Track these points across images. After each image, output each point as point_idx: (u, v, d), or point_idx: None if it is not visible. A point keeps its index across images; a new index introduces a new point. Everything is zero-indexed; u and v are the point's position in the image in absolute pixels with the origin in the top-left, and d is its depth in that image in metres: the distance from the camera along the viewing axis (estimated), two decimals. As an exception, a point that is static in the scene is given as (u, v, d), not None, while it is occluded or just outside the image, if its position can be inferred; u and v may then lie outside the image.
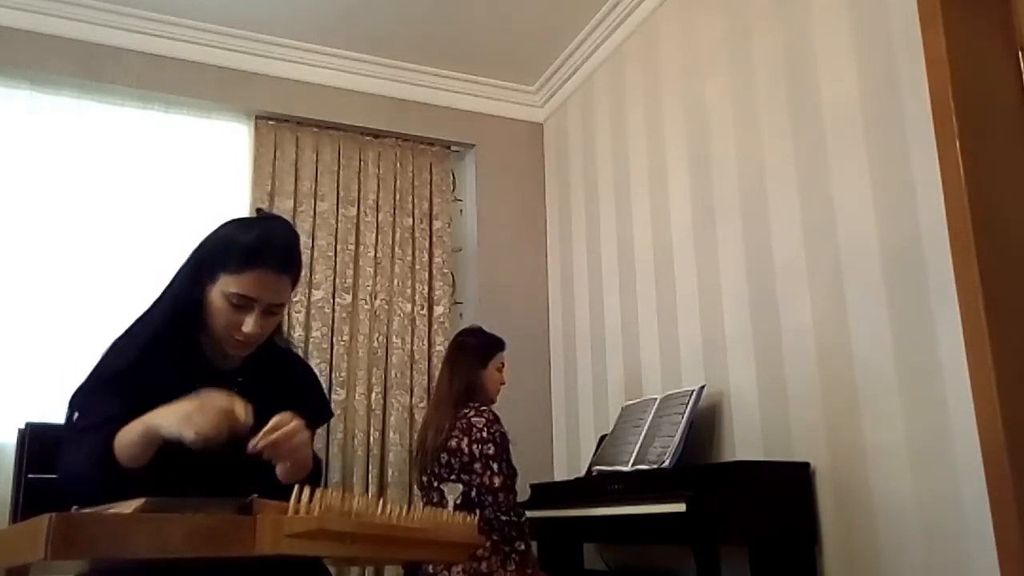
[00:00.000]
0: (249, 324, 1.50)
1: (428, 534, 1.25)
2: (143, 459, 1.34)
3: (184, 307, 1.54)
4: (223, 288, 1.49)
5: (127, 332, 1.58)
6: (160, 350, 1.53)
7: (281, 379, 1.67)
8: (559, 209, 4.25)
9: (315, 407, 1.76)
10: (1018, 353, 2.01)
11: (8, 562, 1.02)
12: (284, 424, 1.37)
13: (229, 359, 1.61)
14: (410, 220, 4.05)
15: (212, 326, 1.54)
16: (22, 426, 1.89)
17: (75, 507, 1.05)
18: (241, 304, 1.49)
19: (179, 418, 1.27)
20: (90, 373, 1.52)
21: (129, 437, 1.34)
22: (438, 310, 3.99)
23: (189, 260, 1.57)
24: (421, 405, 3.74)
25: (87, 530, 0.94)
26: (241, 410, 1.30)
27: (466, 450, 2.56)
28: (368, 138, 4.07)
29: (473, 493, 2.53)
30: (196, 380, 1.56)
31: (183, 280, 1.56)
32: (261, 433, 1.35)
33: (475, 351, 2.81)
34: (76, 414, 1.49)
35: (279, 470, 1.45)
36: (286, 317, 3.64)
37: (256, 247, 1.49)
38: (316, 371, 3.47)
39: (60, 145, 3.53)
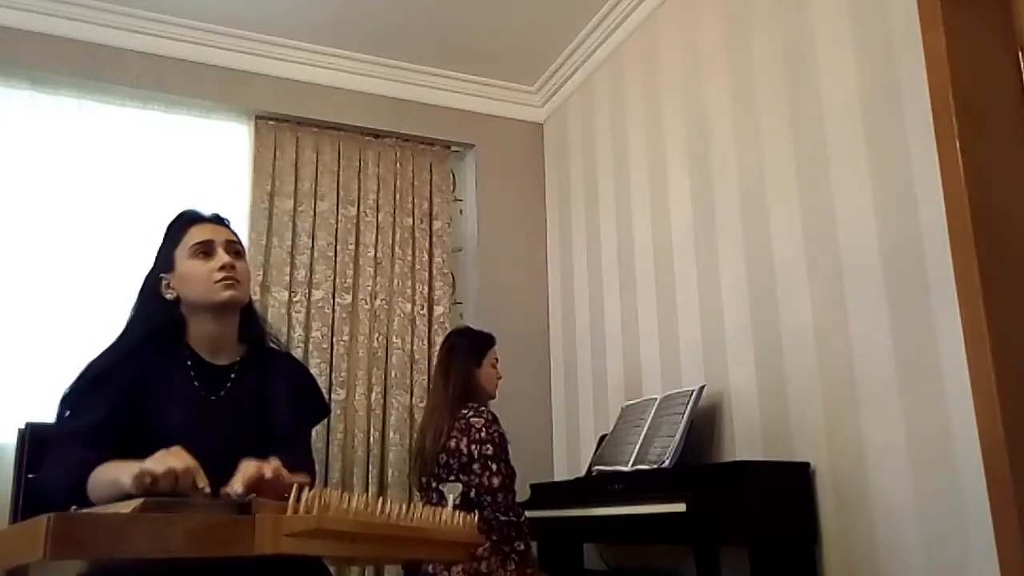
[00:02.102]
0: (222, 257, 1.62)
1: (427, 533, 1.25)
2: (110, 501, 1.30)
3: (160, 312, 1.61)
4: (183, 254, 1.62)
5: (113, 346, 1.61)
6: (151, 351, 1.56)
7: (274, 377, 1.70)
8: (559, 209, 4.25)
9: (311, 404, 1.79)
10: (1018, 353, 2.01)
11: (8, 562, 1.02)
12: (249, 474, 1.30)
13: (221, 356, 1.64)
14: (410, 220, 4.05)
15: (197, 294, 1.61)
16: (22, 426, 1.89)
17: (74, 507, 1.05)
18: (206, 249, 1.62)
19: (133, 476, 1.22)
20: (77, 377, 1.54)
21: (101, 482, 1.33)
22: (438, 310, 3.99)
23: (145, 282, 1.69)
24: (421, 405, 3.74)
25: (86, 530, 0.94)
26: (201, 482, 1.24)
27: (465, 450, 2.56)
28: (368, 138, 4.07)
29: (472, 493, 2.53)
30: (191, 372, 1.58)
31: (148, 290, 1.66)
32: (237, 485, 1.29)
33: (468, 351, 2.81)
34: (63, 417, 1.50)
35: None
36: (286, 317, 3.64)
37: (185, 213, 1.70)
38: (315, 370, 3.55)
39: (60, 145, 3.53)
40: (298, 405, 1.73)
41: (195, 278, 1.60)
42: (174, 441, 1.28)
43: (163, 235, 1.71)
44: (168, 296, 1.62)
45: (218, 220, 1.71)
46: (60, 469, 1.38)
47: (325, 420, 3.56)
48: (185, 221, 1.68)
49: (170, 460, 1.22)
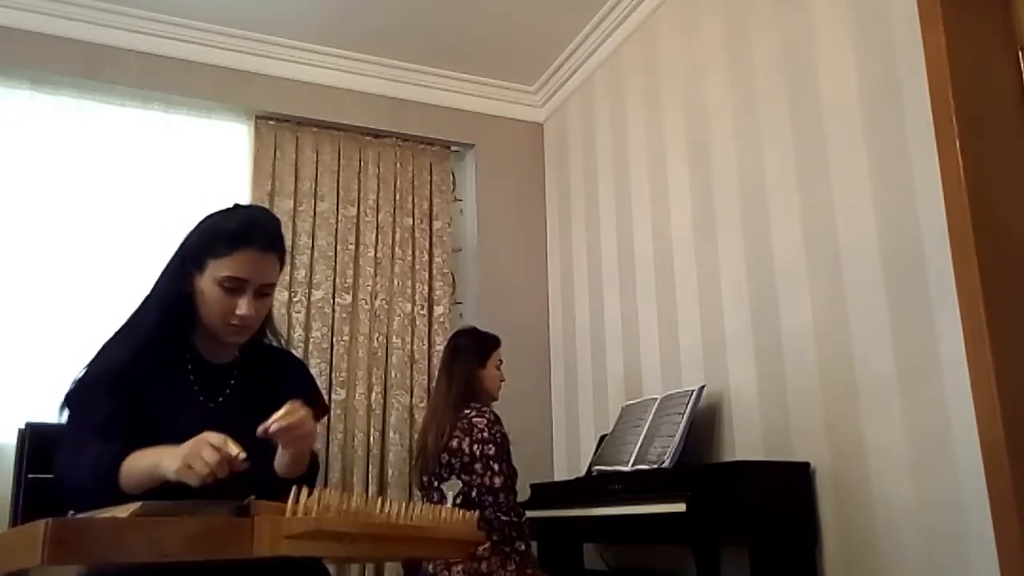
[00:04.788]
0: (243, 306, 1.52)
1: (428, 531, 1.25)
2: (143, 490, 1.31)
3: (174, 304, 1.56)
4: (214, 274, 1.52)
5: (118, 334, 1.58)
6: (154, 350, 1.53)
7: (275, 374, 1.68)
8: (559, 209, 4.25)
9: (312, 403, 1.76)
10: (1018, 353, 2.00)
11: (5, 567, 1.02)
12: (296, 411, 1.36)
13: (222, 354, 1.62)
14: (410, 220, 4.05)
15: (206, 317, 1.55)
16: (22, 426, 1.89)
17: (71, 511, 1.05)
18: (233, 287, 1.52)
19: (182, 465, 1.22)
20: (84, 373, 1.52)
21: (135, 470, 1.32)
22: (438, 310, 3.99)
23: (174, 257, 1.60)
24: (421, 405, 3.74)
25: (84, 535, 0.94)
26: (235, 450, 1.24)
27: (467, 450, 2.57)
28: (368, 138, 4.07)
29: (473, 493, 2.54)
30: (191, 375, 1.57)
31: (170, 277, 1.58)
32: (275, 416, 1.34)
33: (472, 351, 2.81)
34: (73, 413, 1.49)
35: (279, 459, 1.46)
36: (286, 317, 3.64)
37: (241, 229, 1.53)
38: (315, 371, 3.54)
39: (60, 145, 3.53)
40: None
41: (211, 305, 1.53)
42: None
43: (211, 223, 1.57)
44: (187, 290, 1.56)
45: (269, 248, 1.55)
46: (87, 459, 1.36)
47: (326, 420, 3.58)
48: (236, 238, 1.52)
49: (209, 438, 1.22)
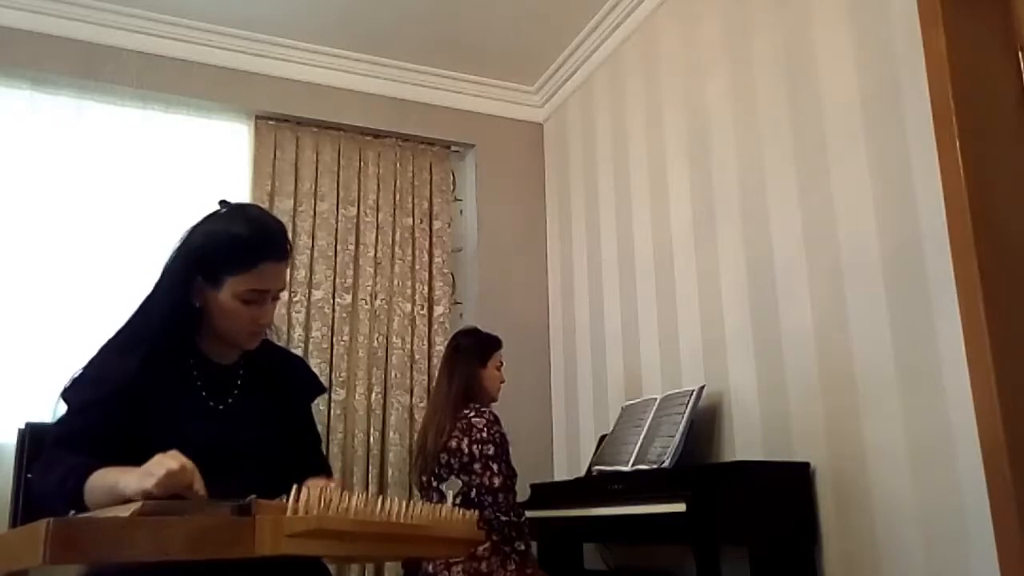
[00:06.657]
0: (266, 315, 1.55)
1: (427, 530, 1.25)
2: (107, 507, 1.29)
3: (181, 314, 1.53)
4: (234, 289, 1.50)
5: (119, 340, 1.54)
6: (160, 356, 1.52)
7: (274, 369, 1.70)
8: (559, 209, 4.25)
9: (309, 386, 1.80)
10: (1018, 353, 2.00)
11: (7, 567, 1.02)
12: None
13: (227, 354, 1.62)
14: (410, 220, 4.06)
15: (223, 327, 1.55)
16: (22, 426, 1.89)
17: (72, 511, 1.04)
18: (255, 299, 1.52)
19: (136, 483, 1.21)
20: (81, 374, 1.49)
21: (97, 489, 1.29)
22: (438, 310, 3.99)
23: (176, 265, 1.54)
24: (421, 405, 3.74)
25: (86, 534, 0.94)
26: (197, 484, 1.23)
27: (466, 450, 2.57)
28: (368, 138, 4.07)
29: (472, 493, 2.54)
30: (198, 379, 1.57)
31: (174, 286, 1.53)
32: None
33: (473, 351, 2.81)
34: (65, 414, 1.47)
35: None
36: (286, 317, 3.65)
37: (259, 241, 1.51)
38: (316, 371, 3.52)
39: (60, 145, 3.53)
40: (308, 406, 1.77)
41: (231, 318, 1.52)
42: (183, 453, 1.27)
43: (218, 233, 1.52)
44: (195, 303, 1.52)
45: (286, 256, 1.55)
46: (55, 475, 1.34)
47: (326, 420, 3.58)
48: (255, 252, 1.50)
49: (168, 463, 1.21)
